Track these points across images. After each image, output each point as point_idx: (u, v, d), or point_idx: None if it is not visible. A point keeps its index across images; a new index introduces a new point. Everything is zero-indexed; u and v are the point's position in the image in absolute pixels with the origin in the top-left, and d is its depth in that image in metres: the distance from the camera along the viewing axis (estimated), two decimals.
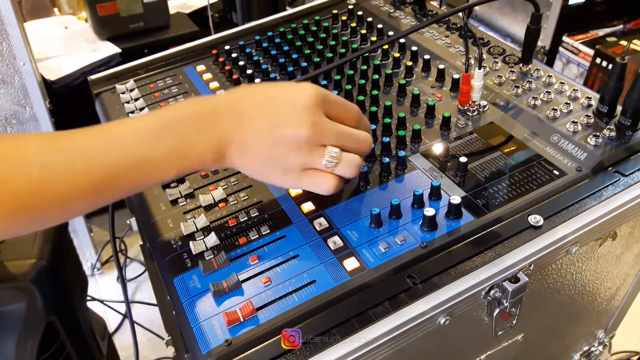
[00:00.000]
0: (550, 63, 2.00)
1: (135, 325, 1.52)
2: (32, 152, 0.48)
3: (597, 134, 0.64)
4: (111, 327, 1.60)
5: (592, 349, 0.89)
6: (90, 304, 1.32)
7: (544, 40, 1.93)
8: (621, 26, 1.99)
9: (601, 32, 1.96)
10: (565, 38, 1.94)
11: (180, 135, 0.51)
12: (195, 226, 0.60)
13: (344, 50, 0.85)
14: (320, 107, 0.53)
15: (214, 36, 0.96)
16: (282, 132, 0.52)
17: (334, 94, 0.56)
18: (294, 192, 0.63)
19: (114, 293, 1.72)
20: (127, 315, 0.96)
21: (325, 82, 0.78)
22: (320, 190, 0.55)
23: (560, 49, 1.97)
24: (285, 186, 0.57)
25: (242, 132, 0.52)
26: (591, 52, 1.85)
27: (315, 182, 0.54)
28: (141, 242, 0.86)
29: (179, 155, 0.51)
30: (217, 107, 0.53)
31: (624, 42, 1.87)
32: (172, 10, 1.81)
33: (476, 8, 2.17)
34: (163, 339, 1.01)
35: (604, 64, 1.80)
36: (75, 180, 0.48)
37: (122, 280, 0.86)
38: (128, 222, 0.82)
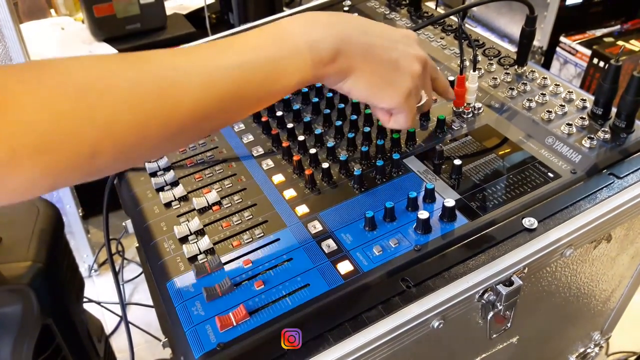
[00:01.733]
0: (547, 63, 2.00)
1: (133, 326, 1.52)
2: (159, 57, 0.45)
3: (592, 136, 0.64)
4: (108, 329, 1.60)
5: (588, 350, 0.89)
6: (87, 306, 1.31)
7: (541, 40, 1.93)
8: (618, 26, 1.99)
9: (598, 33, 1.96)
10: (562, 38, 1.94)
11: (302, 36, 0.50)
12: (189, 229, 0.60)
13: None
14: (421, 46, 0.58)
15: (209, 38, 0.96)
16: (407, 48, 0.55)
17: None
18: (288, 195, 0.63)
19: (111, 294, 1.72)
20: (123, 317, 0.96)
21: (319, 84, 0.78)
22: (408, 122, 0.58)
23: (558, 49, 1.97)
24: (388, 103, 0.56)
25: (367, 36, 0.53)
26: (588, 52, 1.85)
27: (411, 112, 0.57)
28: (137, 244, 0.86)
29: (301, 57, 0.49)
30: (333, 16, 0.53)
31: (621, 43, 1.87)
32: (168, 12, 1.80)
33: (474, 9, 2.17)
34: (160, 340, 1.00)
35: (601, 64, 1.80)
36: (209, 84, 0.45)
37: (117, 282, 0.86)
38: (124, 224, 0.81)
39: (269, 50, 0.49)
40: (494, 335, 0.61)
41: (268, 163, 0.68)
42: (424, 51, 0.57)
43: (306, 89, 0.79)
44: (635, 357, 1.40)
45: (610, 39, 1.92)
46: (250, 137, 0.73)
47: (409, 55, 0.55)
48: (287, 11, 1.02)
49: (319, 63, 0.50)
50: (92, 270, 1.79)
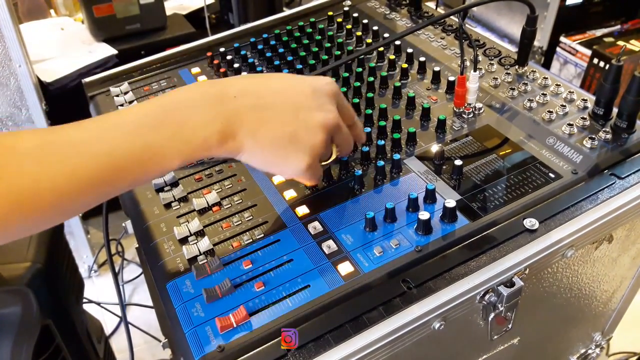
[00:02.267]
0: (547, 63, 1.99)
1: (132, 327, 1.52)
2: (25, 148, 0.44)
3: (593, 136, 0.64)
4: (108, 330, 1.60)
5: (589, 351, 0.89)
6: (87, 307, 1.31)
7: (541, 40, 1.93)
8: (618, 26, 1.99)
9: (599, 33, 1.96)
10: (562, 38, 1.94)
11: (183, 119, 0.48)
12: (189, 230, 0.60)
13: (339, 53, 0.85)
14: (337, 100, 0.55)
15: (209, 38, 0.96)
16: (308, 117, 0.51)
17: None
18: (288, 196, 0.63)
19: (111, 295, 1.71)
20: (122, 318, 0.96)
21: None
22: (315, 179, 0.57)
23: (558, 49, 1.96)
24: (294, 169, 0.53)
25: (259, 114, 0.50)
26: (588, 52, 1.84)
27: (318, 172, 0.56)
28: (137, 245, 0.86)
29: (183, 141, 0.48)
30: (225, 89, 0.50)
31: (621, 43, 1.87)
32: (168, 12, 1.80)
33: (473, 9, 2.16)
34: (160, 341, 1.00)
35: (602, 64, 1.80)
36: (73, 174, 0.45)
37: (117, 283, 0.86)
38: (124, 224, 0.81)
39: (146, 136, 0.47)
40: (495, 337, 0.61)
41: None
42: (334, 110, 0.54)
43: None
44: (636, 357, 1.40)
45: (611, 39, 1.91)
46: None
47: (309, 125, 0.52)
48: (287, 11, 1.02)
49: (203, 146, 0.49)
50: (92, 271, 1.79)
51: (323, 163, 0.59)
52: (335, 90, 0.55)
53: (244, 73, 0.82)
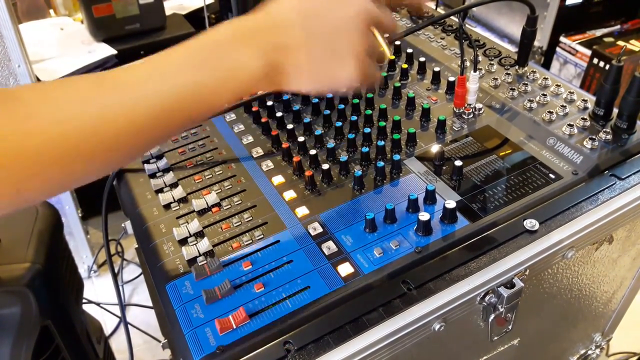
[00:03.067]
0: (547, 63, 1.99)
1: (132, 327, 1.52)
2: (82, 92, 0.45)
3: (593, 137, 0.64)
4: (108, 330, 1.60)
5: (589, 352, 0.88)
6: (87, 307, 1.31)
7: (541, 40, 1.93)
8: (618, 26, 1.99)
9: (598, 33, 1.96)
10: (562, 38, 1.94)
11: (226, 56, 0.48)
12: (188, 231, 0.60)
13: None
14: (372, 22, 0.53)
15: None
16: (337, 16, 0.50)
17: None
18: (288, 197, 0.63)
19: (111, 295, 1.71)
20: (122, 318, 0.96)
21: None
22: (372, 80, 0.53)
23: (558, 49, 1.96)
24: (343, 79, 0.52)
25: (294, 39, 0.49)
26: (588, 52, 1.84)
27: (370, 68, 0.52)
28: (137, 245, 0.85)
29: (233, 78, 0.48)
30: (259, 21, 0.50)
31: (621, 43, 1.87)
32: (168, 12, 1.80)
33: (473, 9, 2.16)
34: (160, 341, 1.00)
35: (602, 64, 1.80)
36: (129, 114, 0.45)
37: (116, 283, 0.86)
38: (123, 225, 0.81)
39: (194, 76, 0.47)
40: (495, 338, 0.61)
41: (268, 164, 0.68)
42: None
43: None
44: (636, 357, 1.40)
45: (610, 39, 1.91)
46: (250, 138, 0.72)
47: (342, 26, 0.50)
48: None
49: (250, 82, 0.49)
50: (92, 271, 1.79)
51: (383, 50, 0.53)
52: (366, 14, 0.52)
53: None
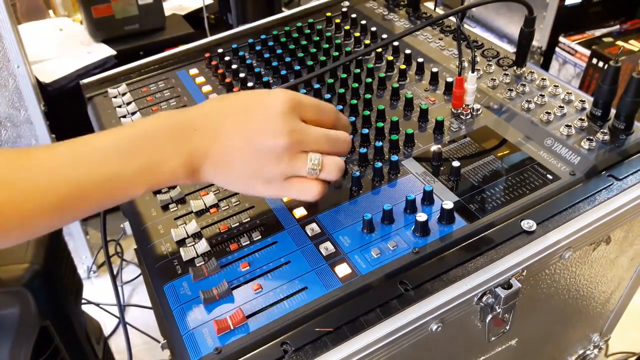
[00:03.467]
0: (546, 63, 1.99)
1: (131, 328, 1.52)
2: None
3: (591, 137, 0.64)
4: (107, 330, 1.60)
5: (588, 352, 0.89)
6: (86, 307, 1.31)
7: (540, 40, 1.93)
8: (618, 26, 1.99)
9: (598, 33, 1.96)
10: (561, 38, 1.94)
11: (150, 152, 0.49)
12: (186, 232, 0.60)
13: (337, 54, 0.85)
14: (296, 112, 0.52)
15: (207, 39, 0.96)
16: (260, 143, 0.50)
17: (307, 96, 0.56)
18: (286, 198, 0.63)
19: (110, 296, 1.71)
20: (121, 319, 0.96)
21: (318, 85, 0.78)
22: (307, 197, 0.54)
23: (557, 49, 1.96)
24: (269, 196, 0.57)
25: (218, 146, 0.51)
26: (588, 52, 1.84)
27: (300, 190, 0.53)
28: (136, 246, 0.86)
29: (149, 172, 0.50)
30: (189, 122, 0.51)
31: (620, 43, 1.87)
32: (167, 12, 1.80)
33: (473, 9, 2.16)
34: (159, 342, 1.00)
35: (601, 64, 1.80)
36: (40, 198, 0.46)
37: (115, 284, 0.86)
38: (122, 225, 0.81)
39: (114, 166, 0.48)
40: (493, 338, 0.61)
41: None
42: (284, 129, 0.51)
43: (304, 90, 0.79)
44: (634, 357, 1.40)
45: (610, 39, 1.91)
46: None
47: (263, 153, 0.51)
48: (286, 12, 1.02)
49: (170, 178, 0.51)
50: (91, 272, 1.79)
51: (315, 177, 0.54)
52: (286, 104, 0.51)
53: (241, 75, 0.82)
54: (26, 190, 0.46)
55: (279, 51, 0.88)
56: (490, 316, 0.57)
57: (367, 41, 0.88)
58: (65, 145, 0.50)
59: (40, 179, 0.47)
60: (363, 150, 0.65)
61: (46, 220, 0.48)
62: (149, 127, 0.51)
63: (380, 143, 0.66)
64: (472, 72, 0.70)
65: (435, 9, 0.97)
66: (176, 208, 0.64)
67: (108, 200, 0.50)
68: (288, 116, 0.51)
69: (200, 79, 0.86)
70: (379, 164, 0.63)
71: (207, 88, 0.84)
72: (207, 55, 0.90)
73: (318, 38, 0.88)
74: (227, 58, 0.88)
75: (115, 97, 0.84)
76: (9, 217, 0.45)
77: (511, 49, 0.82)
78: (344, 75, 0.79)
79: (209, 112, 0.53)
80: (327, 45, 0.86)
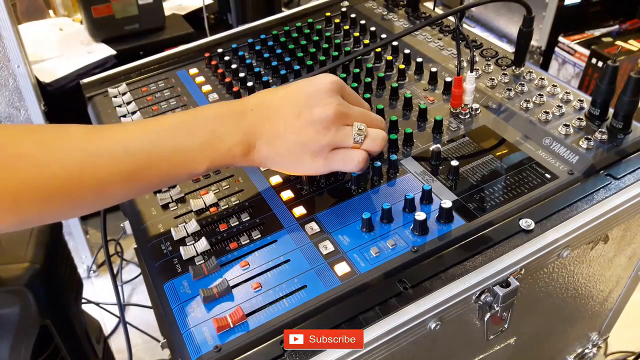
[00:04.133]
0: (546, 63, 2.00)
1: (131, 327, 1.52)
2: (74, 139, 0.50)
3: (589, 137, 0.64)
4: (107, 330, 1.60)
5: (586, 351, 0.89)
6: (86, 307, 1.31)
7: (540, 40, 1.93)
8: (617, 26, 1.99)
9: (597, 33, 1.96)
10: (561, 38, 1.94)
11: (212, 129, 0.54)
12: (186, 231, 0.60)
13: (337, 53, 0.85)
14: (340, 91, 0.57)
15: (206, 39, 0.96)
16: (309, 115, 0.55)
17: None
18: (285, 197, 0.63)
19: (110, 295, 1.71)
20: (121, 318, 0.96)
21: None
22: (351, 166, 0.57)
23: (556, 49, 1.97)
24: (315, 171, 0.58)
25: (270, 123, 0.55)
26: (587, 52, 1.85)
27: (345, 159, 0.56)
28: (136, 245, 0.86)
29: (211, 147, 0.53)
30: (246, 105, 0.56)
31: (619, 43, 1.87)
32: (167, 12, 1.80)
33: (472, 9, 2.17)
34: (159, 341, 1.01)
35: (600, 64, 1.81)
36: (113, 166, 0.50)
37: (115, 283, 0.86)
38: (122, 225, 0.81)
39: (180, 141, 0.53)
40: (491, 337, 0.61)
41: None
42: (333, 102, 0.56)
43: None
44: (633, 357, 1.40)
45: (609, 39, 1.92)
46: None
47: (311, 124, 0.55)
48: (285, 12, 1.02)
49: (228, 155, 0.55)
50: (91, 271, 1.79)
51: (359, 147, 0.57)
52: (333, 84, 0.57)
53: (241, 74, 0.82)
54: (102, 158, 0.50)
55: (278, 51, 0.88)
56: (488, 314, 0.57)
57: (367, 41, 0.88)
58: (136, 123, 0.56)
59: (115, 148, 0.51)
60: None
61: (119, 188, 0.52)
62: (212, 110, 0.56)
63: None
64: (471, 71, 0.70)
65: (434, 8, 0.98)
66: (176, 207, 0.64)
67: (173, 173, 0.54)
68: (334, 92, 0.56)
69: (200, 79, 0.87)
70: (378, 163, 0.64)
71: (206, 88, 0.84)
72: (206, 55, 0.90)
73: (317, 38, 0.88)
74: (226, 58, 0.88)
75: (115, 96, 0.85)
76: (87, 182, 0.49)
77: (511, 48, 0.82)
78: (344, 75, 0.80)
79: (264, 95, 0.58)
80: (326, 45, 0.86)
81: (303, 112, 0.55)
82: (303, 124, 0.55)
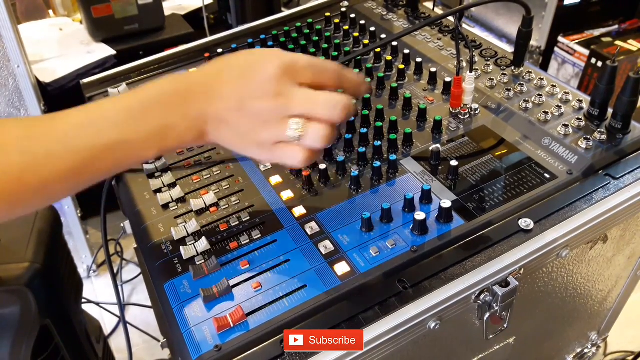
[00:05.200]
0: (545, 63, 2.00)
1: (132, 327, 1.52)
2: (11, 139, 0.48)
3: (588, 137, 0.65)
4: (107, 330, 1.60)
5: (585, 350, 0.89)
6: (86, 307, 1.31)
7: (540, 40, 1.93)
8: (616, 26, 1.99)
9: (597, 32, 1.96)
10: (560, 38, 1.94)
11: (158, 117, 0.50)
12: (187, 231, 0.60)
13: (336, 53, 0.85)
14: (289, 75, 0.51)
15: (206, 39, 0.96)
16: (250, 105, 0.50)
17: (306, 56, 0.53)
18: (285, 196, 0.63)
19: (110, 295, 1.72)
20: (121, 318, 0.96)
21: None
22: (290, 163, 0.52)
23: (556, 49, 1.97)
24: (263, 160, 0.56)
25: (216, 107, 0.51)
26: (586, 52, 1.85)
27: (284, 155, 0.52)
28: (136, 245, 0.86)
29: (159, 136, 0.51)
30: (191, 85, 0.52)
31: (619, 43, 1.88)
32: (167, 12, 1.80)
33: (472, 9, 2.17)
34: (159, 341, 1.01)
35: (599, 64, 1.81)
36: (55, 164, 0.48)
37: (115, 283, 0.86)
38: (122, 225, 0.82)
39: (124, 130, 0.50)
40: (491, 336, 0.61)
41: (265, 164, 0.68)
42: (272, 93, 0.50)
43: None
44: (633, 357, 1.40)
45: (609, 39, 1.92)
46: None
47: (253, 117, 0.51)
48: (285, 12, 1.02)
49: (177, 140, 0.52)
50: (91, 271, 1.79)
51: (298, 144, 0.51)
52: (279, 69, 0.50)
53: None
54: (42, 157, 0.47)
55: None
56: (488, 314, 0.57)
57: (366, 41, 0.88)
58: (77, 111, 0.51)
59: (55, 145, 0.48)
60: (362, 149, 0.66)
61: (63, 185, 0.49)
62: (156, 93, 0.52)
63: (379, 142, 0.66)
64: (471, 72, 0.71)
65: (434, 9, 0.98)
66: (176, 207, 0.64)
67: (121, 164, 0.51)
68: (279, 80, 0.50)
69: None
70: (378, 163, 0.64)
71: None
72: (206, 55, 0.91)
73: (317, 38, 0.89)
74: None
75: None
76: (28, 184, 0.47)
77: (510, 49, 0.82)
78: None
79: (209, 74, 0.53)
80: (326, 45, 0.87)
81: (245, 100, 0.50)
82: (244, 115, 0.51)
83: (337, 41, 0.87)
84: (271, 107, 0.50)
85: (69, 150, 0.48)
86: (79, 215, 1.66)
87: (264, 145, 0.52)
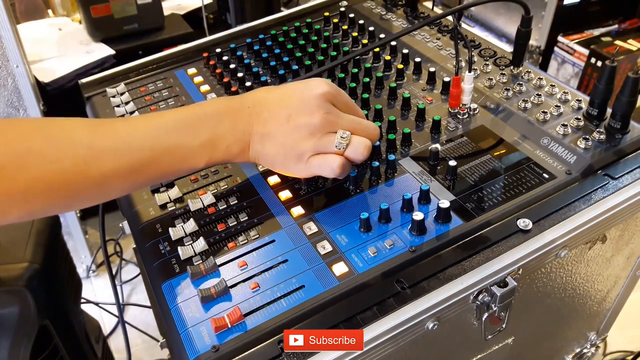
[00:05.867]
0: (545, 63, 2.00)
1: (131, 327, 1.52)
2: (79, 135, 0.52)
3: (587, 137, 0.64)
4: (106, 330, 1.60)
5: (584, 350, 0.89)
6: (85, 307, 1.31)
7: (539, 40, 1.93)
8: (616, 26, 1.99)
9: (596, 32, 1.96)
10: (560, 38, 1.94)
11: (212, 127, 0.56)
12: (184, 231, 0.60)
13: (335, 53, 0.85)
14: (331, 99, 0.58)
15: (205, 39, 0.96)
16: (297, 121, 0.56)
17: (345, 92, 0.60)
18: (283, 196, 0.63)
19: (109, 295, 1.71)
20: (119, 318, 0.96)
21: None
22: (327, 171, 0.57)
23: (556, 48, 1.97)
24: (299, 174, 0.59)
25: (263, 122, 0.57)
26: (586, 52, 1.85)
27: (322, 164, 0.57)
28: (134, 245, 0.86)
29: (211, 145, 0.56)
30: (243, 103, 0.58)
31: (618, 42, 1.87)
32: (166, 12, 1.80)
33: (472, 8, 2.17)
34: (158, 341, 1.01)
35: (599, 64, 1.81)
36: (118, 161, 0.52)
37: (113, 283, 0.86)
38: (121, 225, 0.81)
39: (181, 137, 0.55)
40: (489, 336, 0.61)
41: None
42: (319, 111, 0.56)
43: None
44: (632, 356, 1.40)
45: (608, 39, 1.92)
46: None
47: (297, 131, 0.56)
48: (284, 12, 1.02)
49: (226, 152, 0.57)
50: (90, 271, 1.79)
51: (341, 152, 0.58)
52: (326, 91, 0.57)
53: (239, 74, 0.82)
54: (106, 152, 0.52)
55: (277, 51, 0.88)
56: (486, 314, 0.57)
57: (365, 41, 0.88)
58: (139, 118, 0.58)
59: (119, 143, 0.53)
60: None
61: (121, 183, 0.53)
62: (213, 107, 0.58)
63: (378, 142, 0.66)
64: (469, 71, 0.70)
65: (433, 8, 0.98)
66: (174, 207, 0.64)
67: (174, 168, 0.56)
68: (324, 100, 0.57)
69: (198, 79, 0.87)
70: (376, 163, 0.64)
71: (205, 87, 0.84)
72: (205, 54, 0.91)
73: (316, 38, 0.88)
74: (225, 58, 0.88)
75: (113, 96, 0.85)
76: (90, 177, 0.51)
77: (510, 48, 0.82)
78: (342, 75, 0.80)
79: (259, 95, 0.59)
80: (325, 45, 0.86)
81: (292, 116, 0.56)
82: (290, 128, 0.56)
83: (336, 41, 0.87)
84: (319, 122, 0.56)
85: (133, 149, 0.53)
86: (78, 215, 1.66)
87: (302, 157, 0.57)
